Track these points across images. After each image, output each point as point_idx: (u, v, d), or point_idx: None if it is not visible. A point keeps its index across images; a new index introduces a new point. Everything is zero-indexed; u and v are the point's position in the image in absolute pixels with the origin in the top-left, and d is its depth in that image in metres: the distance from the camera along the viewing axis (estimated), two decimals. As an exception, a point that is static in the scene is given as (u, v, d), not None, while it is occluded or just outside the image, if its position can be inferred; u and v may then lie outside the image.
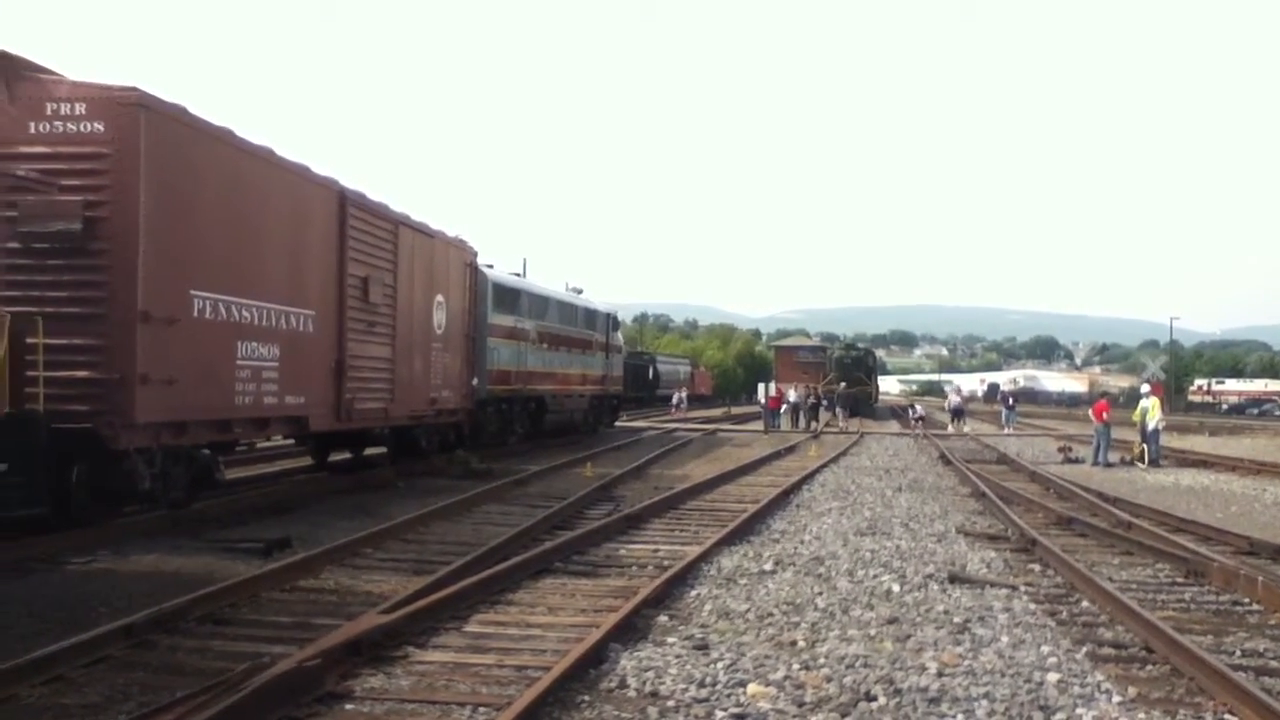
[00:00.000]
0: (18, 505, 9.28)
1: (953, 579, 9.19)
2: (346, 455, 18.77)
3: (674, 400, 51.52)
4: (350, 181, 15.12)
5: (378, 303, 15.84)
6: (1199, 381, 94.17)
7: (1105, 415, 24.91)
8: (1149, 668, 6.67)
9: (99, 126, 10.34)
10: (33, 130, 10.36)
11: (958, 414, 42.18)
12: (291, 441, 17.94)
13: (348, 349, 14.91)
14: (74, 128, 10.37)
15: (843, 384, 50.54)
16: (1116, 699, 5.90)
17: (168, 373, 10.72)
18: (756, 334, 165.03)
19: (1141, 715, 5.69)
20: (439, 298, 18.87)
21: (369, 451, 18.99)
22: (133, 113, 10.39)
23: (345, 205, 14.87)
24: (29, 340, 9.38)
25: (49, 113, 10.40)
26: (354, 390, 15.15)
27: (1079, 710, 5.69)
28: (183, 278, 11.10)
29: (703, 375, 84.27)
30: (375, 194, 15.94)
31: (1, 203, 10.15)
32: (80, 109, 10.39)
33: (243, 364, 12.21)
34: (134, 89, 10.52)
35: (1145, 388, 27.71)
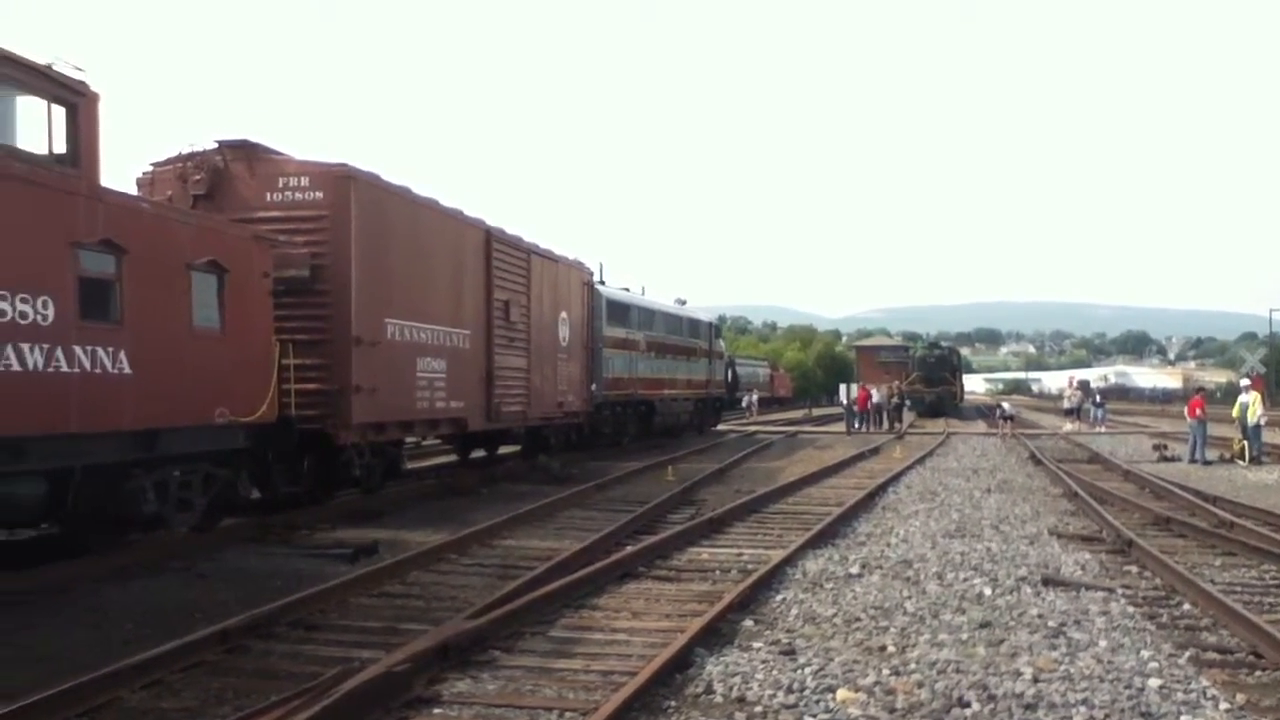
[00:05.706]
0: (285, 485, 12.58)
1: (1046, 582, 8.95)
2: (482, 453, 21.03)
3: (744, 403, 50.76)
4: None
5: (516, 321, 18.59)
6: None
7: (1201, 411, 24.08)
8: (1258, 674, 6.41)
9: (319, 195, 13.10)
10: (269, 199, 13.13)
11: (1076, 412, 40.80)
12: (439, 441, 20.42)
13: (495, 361, 17.67)
14: (300, 196, 13.12)
15: (896, 384, 49.13)
16: (1224, 706, 5.66)
17: (372, 384, 13.43)
18: (836, 334, 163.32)
19: (1252, 723, 5.47)
20: (563, 314, 21.55)
21: (502, 450, 21.35)
22: (345, 183, 13.16)
23: (490, 241, 17.57)
24: (283, 362, 11.88)
25: (280, 185, 13.16)
26: (500, 396, 17.93)
27: (1184, 717, 5.48)
28: (381, 308, 13.83)
29: (782, 377, 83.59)
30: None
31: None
32: (304, 181, 13.12)
33: (421, 375, 15.01)
34: (344, 164, 13.30)
35: (1245, 382, 26.74)
